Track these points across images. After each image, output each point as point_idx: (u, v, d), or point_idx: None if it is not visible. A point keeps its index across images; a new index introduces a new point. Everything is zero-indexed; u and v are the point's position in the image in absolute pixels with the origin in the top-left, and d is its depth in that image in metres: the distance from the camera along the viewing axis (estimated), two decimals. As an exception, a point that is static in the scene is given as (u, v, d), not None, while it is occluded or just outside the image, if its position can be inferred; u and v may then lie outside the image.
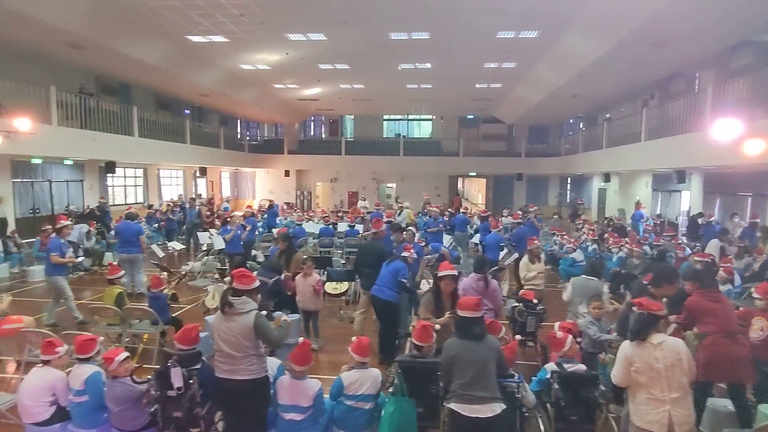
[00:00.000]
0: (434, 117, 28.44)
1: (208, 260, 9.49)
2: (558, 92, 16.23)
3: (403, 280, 5.36)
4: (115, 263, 7.26)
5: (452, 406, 2.96)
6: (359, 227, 12.32)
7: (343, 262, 9.34)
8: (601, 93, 16.89)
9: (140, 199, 19.82)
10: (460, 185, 28.25)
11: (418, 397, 3.32)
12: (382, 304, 5.46)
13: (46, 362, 3.65)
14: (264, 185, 28.76)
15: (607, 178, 19.13)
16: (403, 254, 5.64)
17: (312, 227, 13.25)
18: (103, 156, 14.87)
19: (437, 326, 3.71)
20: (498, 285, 4.90)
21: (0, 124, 10.92)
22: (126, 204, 18.62)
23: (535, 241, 6.89)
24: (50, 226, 11.06)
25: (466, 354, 3.01)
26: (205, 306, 7.54)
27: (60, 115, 12.89)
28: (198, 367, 3.35)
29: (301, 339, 3.43)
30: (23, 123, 11.30)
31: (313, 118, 29.68)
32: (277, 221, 14.30)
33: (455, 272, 4.48)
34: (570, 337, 3.60)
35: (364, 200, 22.17)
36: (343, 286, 7.40)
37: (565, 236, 11.61)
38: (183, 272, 8.45)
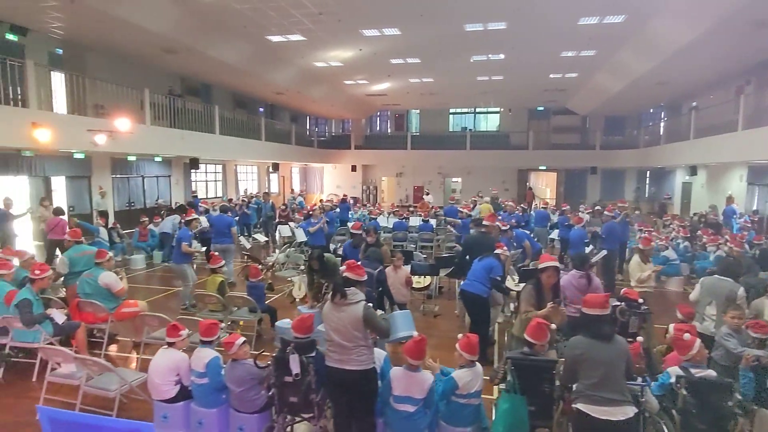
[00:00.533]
0: (502, 109, 27.72)
1: (291, 252, 9.84)
2: (641, 80, 15.26)
3: (497, 277, 5.28)
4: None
5: (580, 406, 2.88)
6: (432, 222, 12.28)
7: (424, 256, 9.36)
8: (689, 80, 15.69)
9: (219, 194, 20.96)
10: (529, 180, 27.33)
11: (530, 395, 3.26)
12: (472, 298, 5.42)
13: (170, 344, 3.95)
14: (332, 180, 29.41)
15: (693, 171, 17.80)
16: (496, 251, 5.54)
17: (383, 222, 13.40)
18: (189, 153, 15.83)
19: (553, 325, 3.60)
20: (600, 284, 4.69)
21: (103, 125, 11.95)
22: (208, 198, 19.80)
23: (651, 241, 6.32)
24: (147, 218, 12.00)
25: (594, 354, 2.91)
26: (292, 296, 7.86)
27: (151, 115, 13.88)
28: (313, 354, 3.48)
29: (415, 333, 3.46)
30: (123, 123, 12.28)
31: (379, 113, 29.91)
32: (349, 215, 14.58)
33: (557, 263, 4.32)
34: (698, 340, 3.37)
35: (429, 194, 22.09)
36: (426, 280, 7.42)
37: (653, 233, 10.93)
38: (270, 263, 8.82)
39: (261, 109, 23.63)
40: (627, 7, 10.47)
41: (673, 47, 11.72)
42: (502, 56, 14.89)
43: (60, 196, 13.55)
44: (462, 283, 5.55)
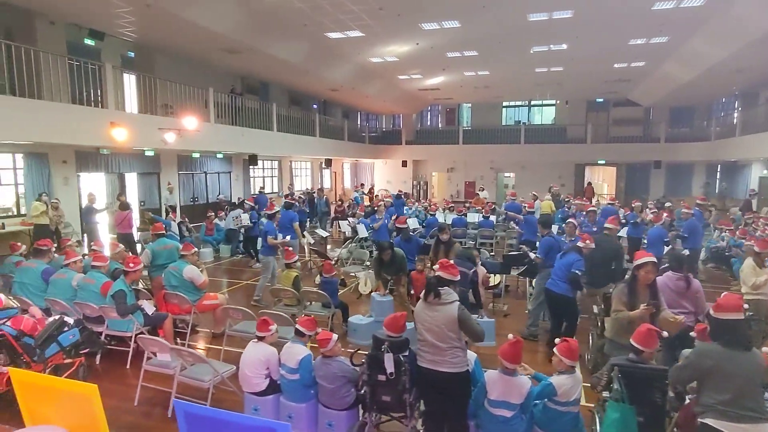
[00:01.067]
0: (558, 102, 26.79)
1: (353, 247, 9.91)
2: (717, 67, 14.27)
3: (578, 271, 5.06)
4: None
5: (710, 422, 2.68)
6: (492, 218, 12.02)
7: (492, 253, 9.16)
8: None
9: (275, 189, 21.47)
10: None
11: (639, 405, 3.07)
12: (556, 298, 5.23)
13: (260, 338, 4.03)
14: (382, 175, 29.49)
15: (773, 164, 16.47)
16: (578, 244, 5.32)
17: (440, 218, 13.23)
18: (249, 149, 16.31)
19: (665, 333, 3.37)
20: (700, 286, 4.38)
21: (172, 124, 12.48)
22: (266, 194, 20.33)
23: None
24: (213, 213, 12.43)
25: (728, 365, 2.70)
26: (359, 292, 7.90)
27: (214, 114, 14.35)
28: (407, 354, 3.45)
29: (510, 335, 3.35)
30: (191, 122, 12.76)
31: (429, 108, 29.66)
32: (404, 211, 14.51)
33: (654, 259, 4.04)
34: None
35: (483, 190, 21.65)
36: (496, 279, 7.26)
37: (736, 232, 10.21)
38: (334, 258, 8.92)
39: (315, 106, 23.99)
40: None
41: (761, 30, 10.84)
42: (564, 46, 14.34)
43: (132, 192, 14.31)
44: (547, 282, 5.38)
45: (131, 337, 5.19)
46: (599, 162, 24.33)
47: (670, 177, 23.84)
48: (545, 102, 27.21)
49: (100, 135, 10.71)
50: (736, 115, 21.65)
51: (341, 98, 23.23)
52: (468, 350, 3.72)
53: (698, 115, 23.88)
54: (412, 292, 6.11)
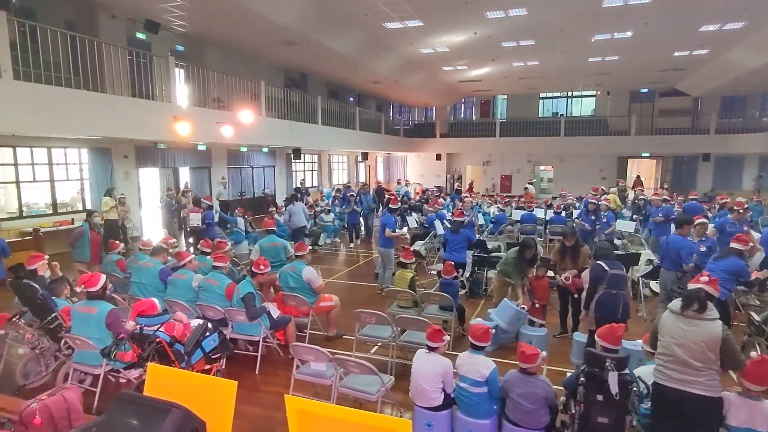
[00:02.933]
0: (598, 93, 26.06)
1: (428, 245, 9.57)
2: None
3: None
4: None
5: None
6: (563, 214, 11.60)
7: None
8: None
9: (315, 183, 21.23)
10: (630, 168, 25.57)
11: None
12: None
13: (432, 349, 3.72)
14: (415, 169, 29.11)
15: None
16: (736, 246, 4.90)
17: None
18: (295, 143, 16.02)
19: None
20: None
21: (228, 117, 12.22)
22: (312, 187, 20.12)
23: None
24: (274, 208, 12.18)
25: None
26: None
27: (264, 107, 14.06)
28: (627, 371, 3.11)
29: (754, 354, 3.00)
30: (247, 115, 12.52)
31: (464, 101, 29.11)
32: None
33: None
34: None
35: (532, 184, 21.16)
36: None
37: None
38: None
39: (351, 98, 23.63)
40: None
41: None
42: (629, 34, 13.78)
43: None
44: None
45: (258, 341, 4.93)
46: (643, 155, 23.64)
47: (719, 170, 23.07)
48: (585, 93, 26.52)
49: (162, 129, 10.51)
50: None
51: (379, 90, 22.82)
52: (487, 359, 3.48)
53: (751, 104, 23.00)
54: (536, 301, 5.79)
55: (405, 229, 7.74)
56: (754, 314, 4.95)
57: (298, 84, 18.95)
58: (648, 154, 23.48)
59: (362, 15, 12.22)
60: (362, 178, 26.42)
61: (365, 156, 23.64)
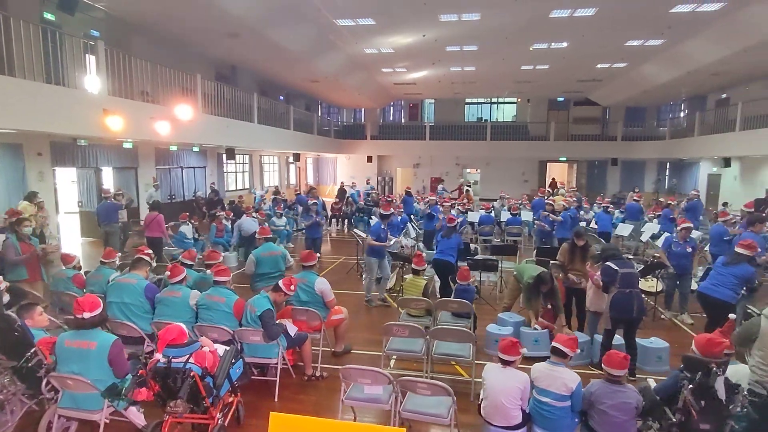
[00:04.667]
0: (518, 100, 27.58)
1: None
2: (700, 71, 15.32)
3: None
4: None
5: None
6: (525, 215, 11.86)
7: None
8: (743, 70, 15.64)
9: (246, 185, 19.99)
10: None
11: None
12: (715, 302, 5.13)
13: (507, 363, 3.43)
14: (345, 171, 28.66)
15: (727, 162, 17.95)
16: (741, 251, 5.19)
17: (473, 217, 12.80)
18: (231, 142, 14.87)
19: None
20: None
21: (164, 113, 10.95)
22: (236, 190, 18.84)
23: None
24: (222, 213, 11.15)
25: None
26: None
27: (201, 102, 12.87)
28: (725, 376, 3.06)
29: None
30: (185, 111, 11.35)
31: (392, 104, 29.27)
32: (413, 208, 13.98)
33: None
34: None
35: (470, 186, 21.62)
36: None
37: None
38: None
39: (282, 98, 22.63)
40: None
41: (762, 36, 11.60)
42: (564, 44, 14.61)
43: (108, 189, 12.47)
44: (701, 284, 5.24)
45: (276, 363, 4.30)
46: (561, 159, 25.40)
47: (625, 173, 25.47)
48: (506, 100, 27.90)
49: (85, 122, 9.07)
50: (682, 115, 23.71)
51: (313, 89, 22.11)
52: (570, 371, 3.43)
53: (650, 115, 25.73)
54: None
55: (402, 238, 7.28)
56: (752, 308, 5.31)
57: (228, 79, 17.69)
58: (565, 159, 25.26)
59: (314, 10, 11.64)
60: (293, 181, 25.47)
61: (297, 157, 22.76)
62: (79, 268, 5.45)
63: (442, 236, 7.06)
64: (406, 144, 26.06)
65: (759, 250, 5.60)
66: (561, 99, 26.25)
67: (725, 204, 15.38)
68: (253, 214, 11.22)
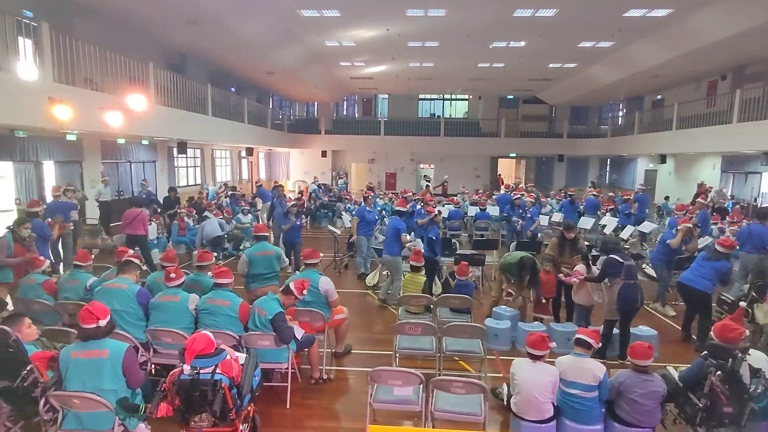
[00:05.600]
0: (470, 97, 28.15)
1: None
2: (643, 72, 16.29)
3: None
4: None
5: None
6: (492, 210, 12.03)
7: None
8: (680, 72, 16.77)
9: (198, 181, 19.05)
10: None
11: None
12: (695, 293, 5.52)
13: (536, 357, 3.45)
14: (298, 166, 28.11)
15: (663, 159, 19.28)
16: (721, 249, 5.56)
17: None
18: (184, 135, 14.12)
19: None
20: None
21: (115, 102, 10.18)
22: (188, 186, 17.91)
23: None
24: (184, 210, 10.55)
25: None
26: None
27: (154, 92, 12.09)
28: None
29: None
30: (139, 101, 10.63)
31: (346, 98, 28.96)
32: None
33: None
34: None
35: (429, 182, 21.69)
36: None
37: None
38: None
39: (233, 89, 21.73)
40: (675, 2, 10.95)
41: (707, 40, 12.42)
42: (522, 43, 15.02)
43: (50, 184, 11.41)
44: (682, 275, 5.57)
45: (286, 368, 4.08)
46: (511, 155, 26.23)
47: (570, 169, 26.72)
48: (458, 96, 28.38)
49: (31, 112, 8.26)
50: (637, 115, 25.23)
51: (267, 81, 21.42)
52: (595, 361, 3.56)
53: (592, 114, 27.14)
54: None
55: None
56: (726, 295, 5.71)
57: (178, 68, 16.73)
58: (515, 155, 26.12)
59: (280, -2, 11.23)
60: (245, 176, 24.59)
61: (249, 151, 21.98)
62: (50, 273, 4.92)
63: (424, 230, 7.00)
64: (360, 139, 25.88)
65: (738, 247, 6.07)
66: (511, 97, 27.07)
67: (667, 198, 16.51)
68: (219, 213, 10.72)
